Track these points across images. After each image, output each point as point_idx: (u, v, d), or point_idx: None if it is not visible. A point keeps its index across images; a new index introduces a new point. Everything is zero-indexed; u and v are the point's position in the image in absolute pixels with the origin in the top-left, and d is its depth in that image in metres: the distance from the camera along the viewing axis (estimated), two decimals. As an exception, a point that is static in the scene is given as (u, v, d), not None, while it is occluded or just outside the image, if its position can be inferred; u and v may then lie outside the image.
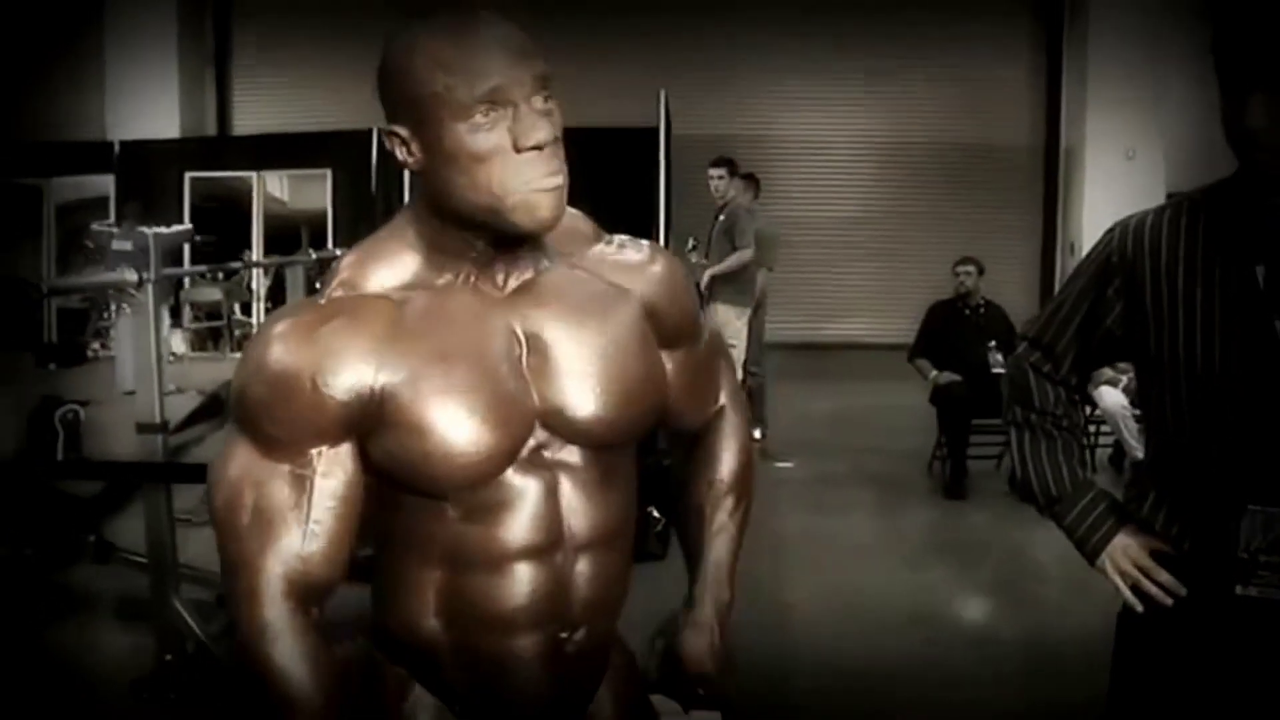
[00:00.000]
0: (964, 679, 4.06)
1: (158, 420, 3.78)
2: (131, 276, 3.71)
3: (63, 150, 11.00)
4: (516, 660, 1.46)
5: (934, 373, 7.02)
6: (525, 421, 1.40)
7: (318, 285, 1.88)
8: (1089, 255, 1.89)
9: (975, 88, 12.19)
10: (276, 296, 8.93)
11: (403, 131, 1.34)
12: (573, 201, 1.43)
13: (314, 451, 1.35)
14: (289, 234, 10.60)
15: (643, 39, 11.62)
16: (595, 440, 1.44)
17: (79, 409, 3.74)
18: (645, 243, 1.59)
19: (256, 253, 10.39)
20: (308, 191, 11.04)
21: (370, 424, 1.35)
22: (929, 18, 11.88)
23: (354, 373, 1.33)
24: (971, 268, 7.19)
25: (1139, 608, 1.81)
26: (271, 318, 1.40)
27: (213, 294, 9.60)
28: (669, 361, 1.57)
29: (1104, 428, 7.06)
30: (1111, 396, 6.79)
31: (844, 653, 4.26)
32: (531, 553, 1.42)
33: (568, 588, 1.45)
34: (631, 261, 1.54)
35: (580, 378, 1.42)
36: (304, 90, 12.30)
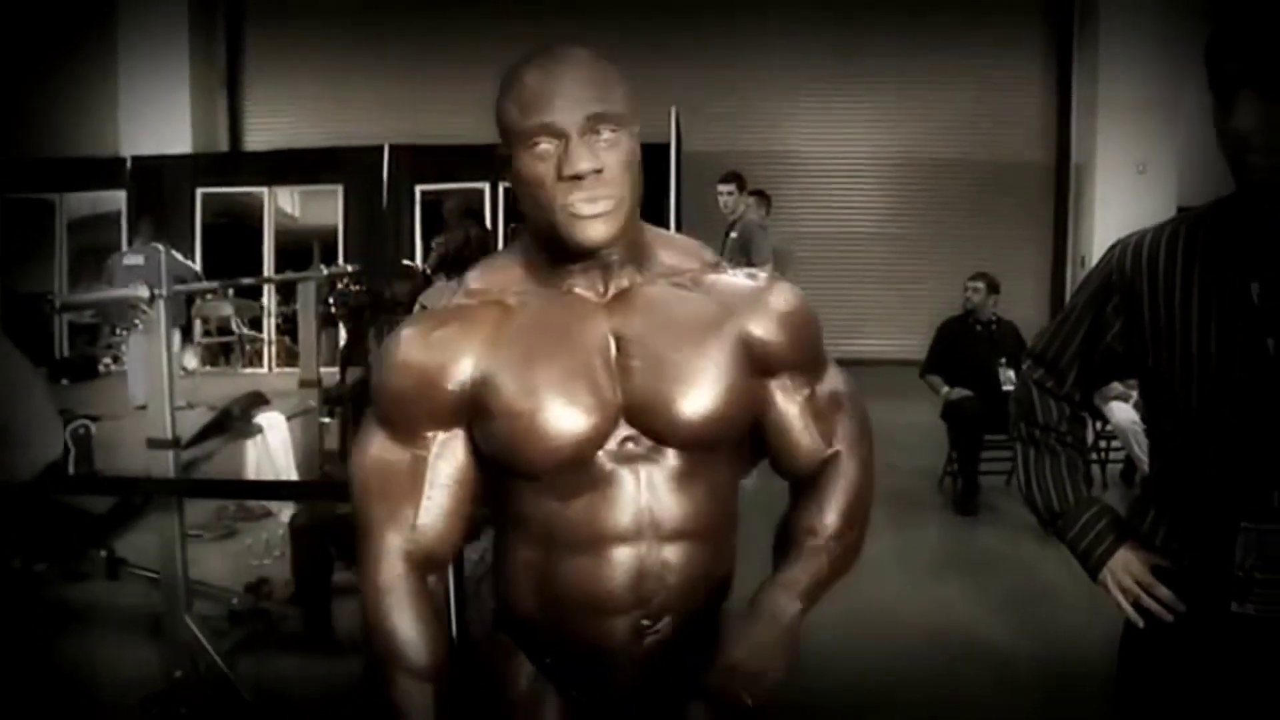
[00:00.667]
0: (973, 694, 4.06)
1: (169, 435, 3.79)
2: (144, 292, 3.73)
3: (75, 166, 11.10)
4: (601, 640, 1.59)
5: (945, 389, 6.99)
6: (609, 414, 1.55)
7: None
8: (1091, 272, 1.89)
9: (986, 104, 12.20)
10: (289, 311, 8.95)
11: (504, 155, 1.53)
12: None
13: (429, 435, 1.58)
14: (300, 249, 10.67)
15: (654, 56, 11.64)
16: (675, 439, 1.57)
17: (90, 424, 3.75)
18: (768, 276, 1.69)
19: (268, 268, 10.44)
20: (319, 207, 11.10)
21: (474, 412, 1.56)
22: (939, 35, 11.90)
23: (460, 367, 1.55)
24: (981, 284, 7.14)
25: (1139, 623, 1.81)
26: (405, 322, 1.64)
27: (223, 309, 9.64)
28: (775, 390, 1.65)
29: (1115, 443, 7.04)
30: (1122, 411, 6.75)
31: (854, 667, 4.24)
32: (616, 538, 1.56)
33: (651, 575, 1.57)
34: (743, 288, 1.64)
35: (663, 380, 1.55)
36: (316, 106, 12.37)
